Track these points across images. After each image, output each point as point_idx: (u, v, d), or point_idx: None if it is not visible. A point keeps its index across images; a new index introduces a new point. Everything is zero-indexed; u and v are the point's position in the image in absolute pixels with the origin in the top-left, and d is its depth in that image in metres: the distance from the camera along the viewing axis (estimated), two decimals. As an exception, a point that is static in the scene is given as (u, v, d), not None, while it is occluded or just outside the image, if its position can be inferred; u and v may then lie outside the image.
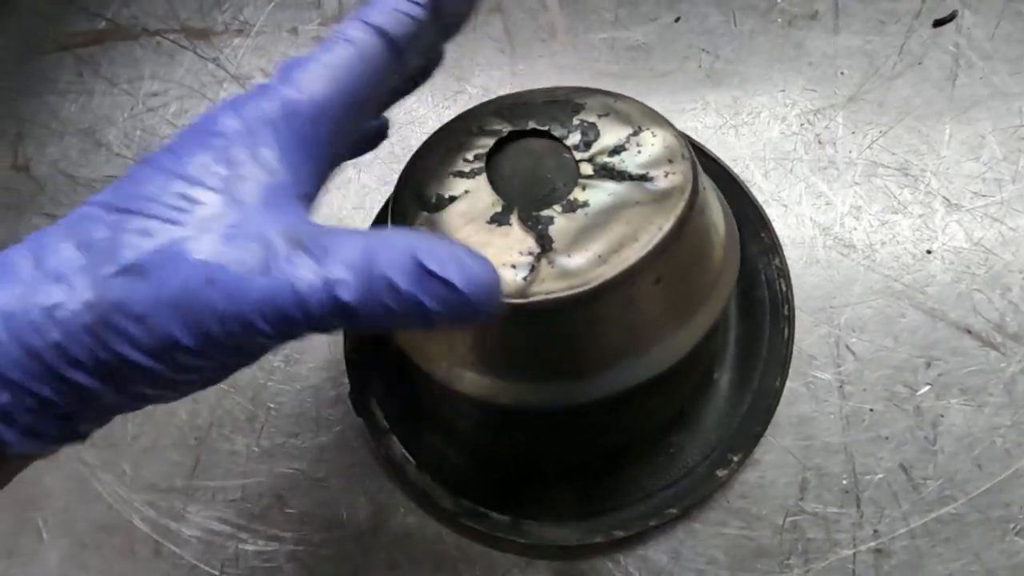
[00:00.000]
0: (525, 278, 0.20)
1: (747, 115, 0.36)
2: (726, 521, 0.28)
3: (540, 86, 0.24)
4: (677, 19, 0.39)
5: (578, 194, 0.21)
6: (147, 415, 0.34)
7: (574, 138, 0.22)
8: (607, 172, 0.21)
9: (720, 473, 0.27)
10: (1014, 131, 0.33)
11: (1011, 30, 0.35)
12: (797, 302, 0.31)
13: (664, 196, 0.21)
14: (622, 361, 0.22)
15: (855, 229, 0.32)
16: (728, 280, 0.24)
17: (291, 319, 0.14)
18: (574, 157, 0.22)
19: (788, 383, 0.30)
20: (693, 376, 0.28)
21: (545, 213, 0.21)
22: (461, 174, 0.22)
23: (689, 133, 0.36)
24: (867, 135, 0.34)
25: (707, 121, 0.36)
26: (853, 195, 0.33)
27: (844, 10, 0.37)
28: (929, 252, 0.31)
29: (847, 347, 0.30)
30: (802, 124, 0.35)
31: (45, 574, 0.31)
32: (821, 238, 0.32)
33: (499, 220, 0.21)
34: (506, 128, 0.22)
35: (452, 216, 0.21)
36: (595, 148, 0.22)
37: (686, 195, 0.21)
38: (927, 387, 0.29)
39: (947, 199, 0.32)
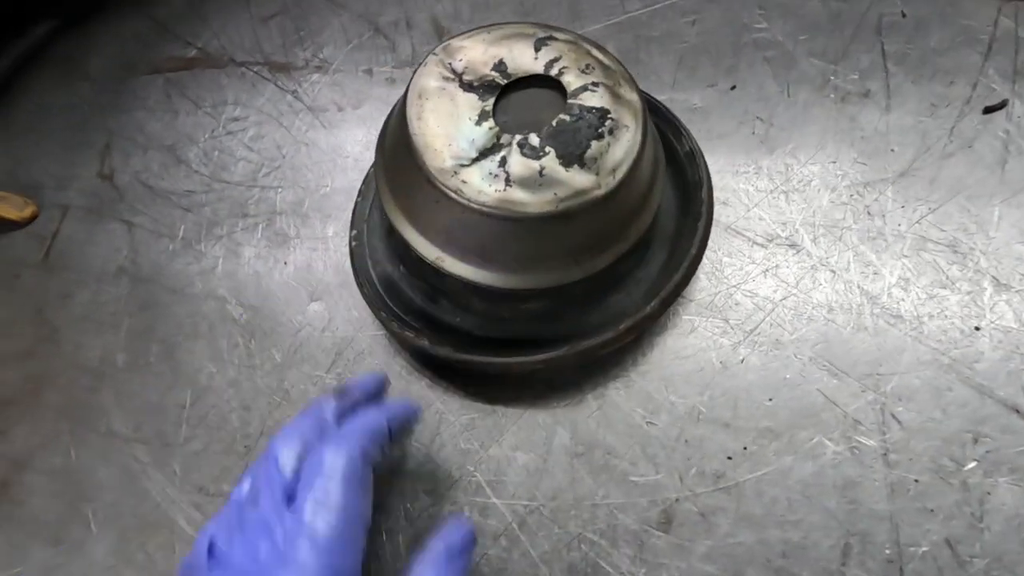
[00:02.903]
0: (497, 190, 0.26)
1: (798, 182, 0.37)
2: (765, 581, 0.28)
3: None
4: (733, 87, 0.41)
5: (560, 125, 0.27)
6: (201, 418, 0.35)
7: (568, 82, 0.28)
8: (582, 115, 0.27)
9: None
10: (1064, 218, 0.34)
11: (1060, 122, 0.36)
12: (844, 367, 0.32)
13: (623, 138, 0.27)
14: (563, 266, 0.28)
15: (903, 300, 0.33)
16: (655, 200, 0.30)
17: None
18: (564, 99, 0.28)
19: (833, 446, 0.30)
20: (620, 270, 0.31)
21: (532, 141, 0.27)
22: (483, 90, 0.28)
23: (740, 195, 0.38)
24: (916, 210, 0.35)
25: (759, 184, 0.38)
26: (901, 267, 0.34)
27: (896, 91, 0.39)
28: (977, 329, 0.32)
29: (893, 415, 0.30)
30: (852, 195, 0.36)
31: (91, 564, 0.32)
32: (869, 306, 0.33)
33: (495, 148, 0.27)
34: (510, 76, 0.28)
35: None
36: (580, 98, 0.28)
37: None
38: (974, 463, 0.29)
39: (996, 279, 0.33)
